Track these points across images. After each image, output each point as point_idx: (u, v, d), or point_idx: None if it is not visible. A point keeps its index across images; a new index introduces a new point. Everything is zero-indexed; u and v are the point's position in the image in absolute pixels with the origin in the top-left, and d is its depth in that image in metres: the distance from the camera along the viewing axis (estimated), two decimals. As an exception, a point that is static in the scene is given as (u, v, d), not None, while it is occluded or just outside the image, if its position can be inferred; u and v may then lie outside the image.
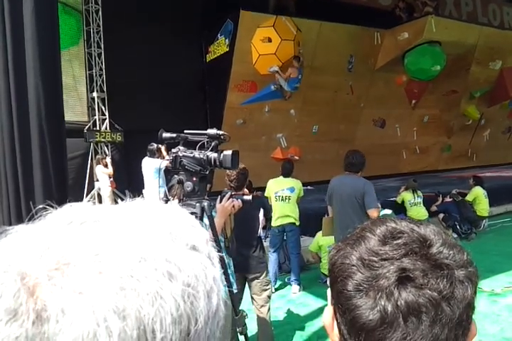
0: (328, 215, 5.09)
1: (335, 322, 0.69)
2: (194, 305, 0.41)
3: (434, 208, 9.04)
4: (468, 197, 9.13)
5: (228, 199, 2.73)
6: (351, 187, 4.57)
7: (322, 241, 6.12)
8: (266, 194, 6.14)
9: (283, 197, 6.02)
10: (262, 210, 4.34)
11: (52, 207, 0.45)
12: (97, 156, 9.67)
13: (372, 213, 4.40)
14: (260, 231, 4.17)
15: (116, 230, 0.41)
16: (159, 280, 0.39)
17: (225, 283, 2.63)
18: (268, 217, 5.71)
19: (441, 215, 8.92)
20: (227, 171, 3.69)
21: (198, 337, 0.41)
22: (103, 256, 0.38)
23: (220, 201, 2.73)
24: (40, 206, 0.46)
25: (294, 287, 5.96)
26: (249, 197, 2.89)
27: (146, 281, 0.38)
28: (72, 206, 0.46)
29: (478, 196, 9.08)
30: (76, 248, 0.39)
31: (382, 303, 0.60)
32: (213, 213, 2.60)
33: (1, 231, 0.42)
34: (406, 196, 8.58)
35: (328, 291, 0.72)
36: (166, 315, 0.38)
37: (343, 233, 4.71)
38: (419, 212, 8.32)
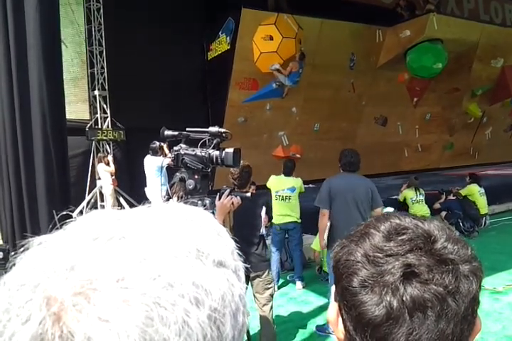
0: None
1: (340, 319, 0.69)
2: (221, 330, 0.40)
3: (437, 206, 9.05)
4: (462, 192, 9.19)
5: (227, 196, 2.71)
6: (364, 187, 4.44)
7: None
8: (268, 185, 6.17)
9: (283, 196, 6.06)
10: (264, 208, 4.34)
11: (70, 211, 0.44)
12: (99, 154, 9.68)
13: (379, 212, 4.36)
14: (262, 229, 4.16)
15: (143, 250, 0.40)
16: (186, 308, 0.38)
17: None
18: (270, 215, 5.71)
19: (443, 213, 8.93)
20: (231, 169, 3.68)
21: None
22: (129, 282, 0.37)
23: (219, 198, 2.72)
24: (64, 213, 0.45)
25: (298, 283, 5.98)
26: (248, 194, 2.87)
27: (173, 309, 0.37)
28: (97, 215, 0.44)
29: (474, 193, 9.09)
30: (101, 271, 0.37)
31: (388, 299, 0.60)
32: (214, 211, 2.60)
33: (24, 243, 0.41)
34: (408, 194, 8.58)
35: (332, 288, 0.72)
36: None
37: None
38: (421, 209, 8.32)
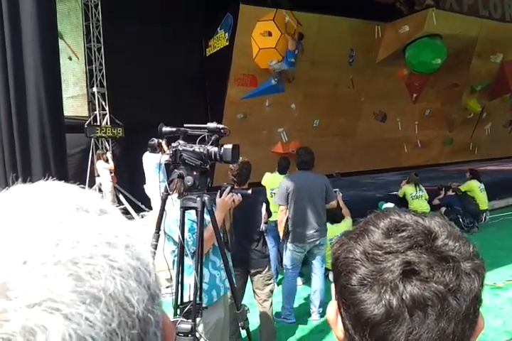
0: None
1: (339, 317, 0.68)
2: (141, 259, 0.41)
3: (436, 202, 9.05)
4: (461, 188, 9.19)
5: (228, 193, 2.71)
6: (319, 184, 4.81)
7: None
8: (263, 183, 6.17)
9: None
10: (264, 205, 4.34)
11: None
12: (98, 151, 9.66)
13: (333, 204, 4.98)
14: (262, 226, 4.17)
15: (26, 229, 0.38)
16: (104, 254, 0.38)
17: (226, 277, 2.63)
18: (270, 212, 5.72)
19: (443, 209, 8.92)
20: (230, 165, 3.68)
21: (156, 285, 0.42)
22: (33, 260, 0.35)
23: (220, 195, 2.72)
24: None
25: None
26: (249, 191, 2.87)
27: (94, 261, 0.37)
28: None
29: (474, 189, 9.09)
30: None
31: (387, 297, 0.59)
32: (213, 208, 2.59)
33: None
34: (408, 189, 8.59)
35: (332, 286, 0.71)
36: (129, 280, 0.38)
37: (313, 229, 4.62)
38: (420, 205, 8.32)
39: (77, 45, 10.32)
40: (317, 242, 4.78)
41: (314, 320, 4.83)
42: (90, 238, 0.39)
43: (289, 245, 4.92)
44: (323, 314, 4.75)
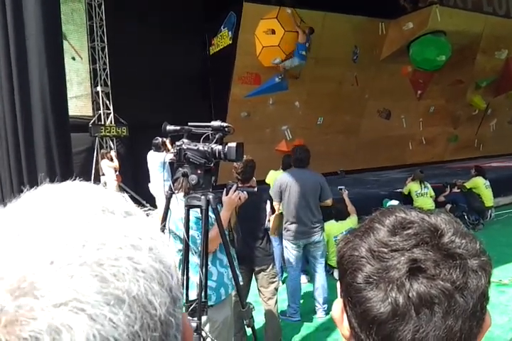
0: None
1: (344, 315, 0.68)
2: (164, 262, 0.42)
3: (441, 198, 9.02)
4: (467, 185, 9.16)
5: (234, 191, 2.72)
6: (312, 182, 4.82)
7: (330, 230, 6.06)
8: (267, 181, 6.17)
9: None
10: (269, 202, 4.35)
11: None
12: (102, 150, 9.68)
13: (329, 202, 4.92)
14: (267, 223, 4.18)
15: (52, 232, 0.38)
16: (129, 256, 0.39)
17: (231, 275, 2.63)
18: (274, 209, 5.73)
19: (448, 206, 8.90)
20: (234, 163, 3.68)
21: (178, 288, 0.43)
22: (60, 260, 0.36)
23: (227, 193, 2.73)
24: None
25: (302, 277, 5.97)
26: (254, 189, 2.88)
27: (119, 263, 0.38)
28: None
29: (479, 186, 9.06)
30: (26, 265, 0.36)
31: (394, 295, 0.59)
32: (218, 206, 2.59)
33: None
34: (413, 187, 8.56)
35: (338, 284, 0.71)
36: (152, 283, 0.39)
37: (304, 226, 4.61)
38: (425, 202, 8.29)
39: (81, 46, 10.34)
40: (311, 239, 4.78)
41: (320, 317, 4.84)
42: (116, 240, 0.39)
43: (284, 242, 4.97)
44: (328, 311, 4.76)
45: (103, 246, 0.38)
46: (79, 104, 10.28)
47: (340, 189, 6.65)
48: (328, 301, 4.82)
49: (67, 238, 0.38)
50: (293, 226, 4.78)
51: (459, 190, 9.15)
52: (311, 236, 4.76)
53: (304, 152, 4.86)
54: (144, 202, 9.08)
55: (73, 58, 10.12)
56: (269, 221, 4.30)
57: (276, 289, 4.03)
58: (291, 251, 4.91)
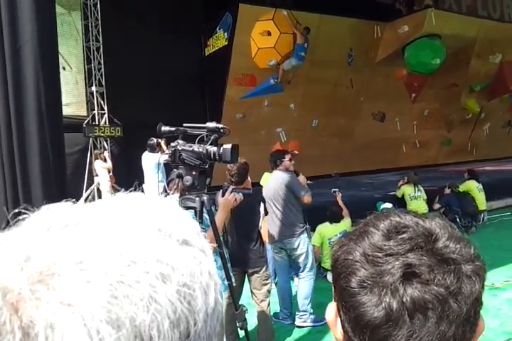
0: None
1: (338, 319, 0.68)
2: (192, 305, 0.39)
3: (436, 206, 8.98)
4: (460, 188, 9.17)
5: (231, 193, 2.73)
6: (275, 184, 4.75)
7: (324, 232, 6.05)
8: (261, 183, 6.17)
9: None
10: (262, 204, 4.35)
11: (29, 210, 0.43)
12: (95, 151, 9.64)
13: (305, 199, 4.68)
14: (260, 224, 4.18)
15: (101, 232, 0.39)
16: (152, 284, 0.37)
17: (225, 277, 2.62)
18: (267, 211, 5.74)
19: (441, 209, 8.92)
20: (228, 165, 3.68)
21: (199, 337, 0.40)
22: (89, 263, 0.36)
23: (223, 195, 2.74)
24: (16, 210, 0.44)
25: (296, 280, 5.96)
26: (250, 191, 2.90)
27: (138, 286, 0.36)
28: (50, 208, 0.43)
29: (472, 190, 9.08)
30: (58, 256, 0.36)
31: (387, 300, 0.58)
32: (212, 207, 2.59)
33: None
34: (406, 190, 8.57)
35: (332, 287, 0.71)
36: (163, 320, 0.36)
37: (275, 229, 4.58)
38: (419, 206, 8.30)
39: (76, 44, 10.30)
40: (289, 243, 4.66)
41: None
42: (147, 263, 0.38)
43: (267, 246, 4.92)
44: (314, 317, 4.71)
45: (132, 265, 0.37)
46: (73, 104, 10.24)
47: (334, 191, 6.65)
48: (323, 305, 4.79)
49: (107, 245, 0.38)
50: (270, 230, 4.75)
51: (449, 190, 9.15)
52: (288, 239, 4.65)
53: (274, 154, 4.96)
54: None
55: (68, 56, 10.08)
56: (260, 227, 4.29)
57: (269, 291, 4.03)
58: (273, 255, 4.91)
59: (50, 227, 0.39)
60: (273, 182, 4.78)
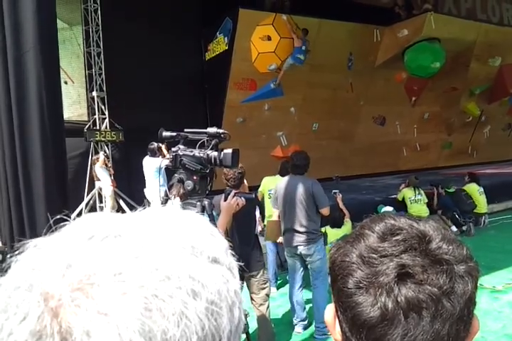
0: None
1: (337, 320, 0.69)
2: (218, 322, 0.40)
3: (439, 212, 9.00)
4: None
5: (233, 197, 2.74)
6: (305, 189, 4.63)
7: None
8: (260, 189, 6.16)
9: None
10: (258, 208, 4.35)
11: (67, 216, 0.45)
12: (93, 157, 9.62)
13: (324, 211, 4.61)
14: (257, 228, 4.18)
15: (139, 246, 0.41)
16: (184, 299, 0.38)
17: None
18: (264, 215, 5.77)
19: (439, 211, 8.97)
20: (224, 170, 3.68)
21: None
22: (126, 276, 0.38)
23: (225, 199, 2.74)
24: (57, 216, 0.45)
25: (273, 288, 5.91)
26: (251, 195, 2.90)
27: (171, 301, 0.38)
28: (92, 217, 0.45)
29: (473, 193, 9.10)
30: (98, 266, 0.38)
31: (383, 300, 0.60)
32: (213, 212, 2.60)
33: (20, 246, 0.42)
34: (407, 193, 8.58)
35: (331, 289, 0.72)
36: (192, 335, 0.38)
37: (291, 234, 4.54)
38: (420, 209, 8.32)
39: (77, 50, 10.33)
40: (305, 249, 4.56)
41: (297, 332, 4.75)
42: (180, 278, 0.39)
43: (267, 247, 4.89)
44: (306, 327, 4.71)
45: (166, 280, 0.39)
46: (74, 109, 10.27)
47: (335, 193, 6.67)
48: (308, 318, 4.76)
49: (144, 259, 0.39)
50: (286, 234, 4.68)
51: (442, 190, 9.18)
52: (304, 246, 4.55)
53: (301, 159, 4.73)
54: (139, 208, 9.05)
55: (69, 61, 10.12)
56: (261, 230, 4.28)
57: (267, 295, 4.00)
58: (287, 259, 4.87)
59: (91, 237, 0.41)
60: (292, 187, 4.67)
